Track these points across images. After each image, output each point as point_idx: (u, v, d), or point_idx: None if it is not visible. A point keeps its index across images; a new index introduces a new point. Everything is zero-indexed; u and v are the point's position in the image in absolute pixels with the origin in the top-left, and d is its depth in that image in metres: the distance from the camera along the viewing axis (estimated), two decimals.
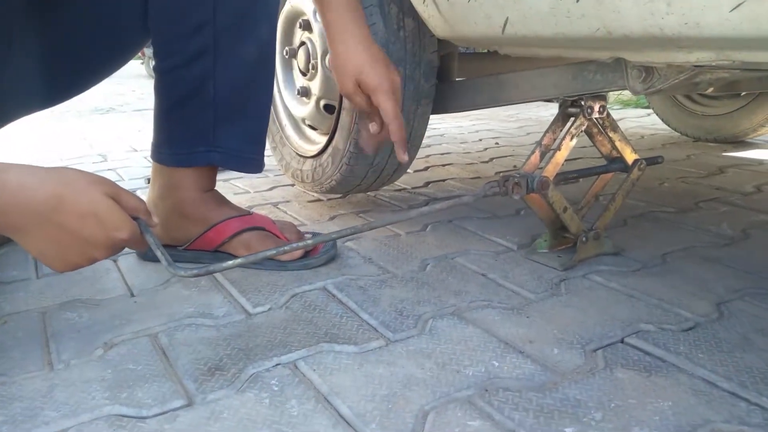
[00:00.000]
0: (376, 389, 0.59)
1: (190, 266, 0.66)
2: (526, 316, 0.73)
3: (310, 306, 0.77)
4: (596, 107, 0.88)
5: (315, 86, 1.19)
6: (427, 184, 1.48)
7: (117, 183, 0.63)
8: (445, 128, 2.50)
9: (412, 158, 1.17)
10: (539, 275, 0.86)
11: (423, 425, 0.53)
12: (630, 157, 0.94)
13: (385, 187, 1.35)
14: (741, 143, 1.96)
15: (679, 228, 1.08)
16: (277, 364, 0.63)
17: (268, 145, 1.02)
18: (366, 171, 1.13)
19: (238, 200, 1.30)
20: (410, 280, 0.85)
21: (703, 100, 1.98)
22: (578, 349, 0.66)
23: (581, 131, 0.89)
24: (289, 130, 1.32)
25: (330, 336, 0.69)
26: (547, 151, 0.89)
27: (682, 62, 0.68)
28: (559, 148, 0.88)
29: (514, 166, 1.69)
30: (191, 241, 0.91)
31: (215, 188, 0.94)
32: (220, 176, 1.42)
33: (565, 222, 0.89)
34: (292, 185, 1.45)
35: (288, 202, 1.31)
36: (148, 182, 1.10)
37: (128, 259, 0.94)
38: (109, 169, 1.72)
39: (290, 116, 1.32)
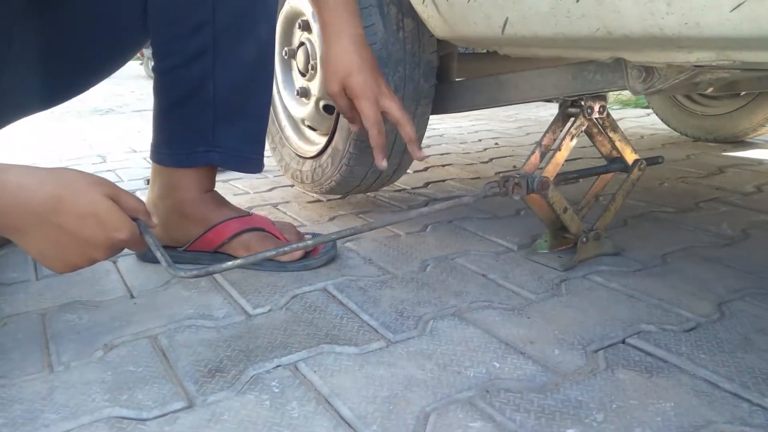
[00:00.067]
0: (377, 390, 0.58)
1: (190, 267, 0.66)
2: (526, 317, 0.73)
3: (311, 307, 0.77)
4: (596, 107, 0.88)
5: (314, 87, 1.19)
6: (426, 184, 1.48)
7: (116, 184, 0.63)
8: (445, 128, 2.50)
9: (411, 159, 1.17)
10: (540, 276, 0.86)
11: (424, 427, 0.53)
12: (630, 157, 0.94)
13: (384, 188, 1.35)
14: (741, 143, 1.96)
15: (679, 228, 1.08)
16: (278, 366, 0.63)
17: (267, 146, 1.02)
18: (366, 172, 1.13)
19: (238, 201, 1.30)
20: (410, 281, 0.85)
21: (703, 100, 1.98)
22: (579, 350, 0.65)
23: (581, 131, 0.89)
24: (289, 130, 1.32)
25: (330, 337, 0.69)
26: (547, 152, 0.89)
27: (682, 62, 0.68)
28: (559, 149, 0.88)
29: (514, 167, 1.69)
30: (191, 241, 0.91)
31: (215, 189, 0.94)
32: (220, 177, 1.42)
33: (565, 222, 0.89)
34: (292, 186, 1.45)
35: (288, 202, 1.31)
36: (148, 183, 1.10)
37: (128, 261, 0.94)
38: (108, 170, 1.72)
39: (290, 117, 1.32)
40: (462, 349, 0.66)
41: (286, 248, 0.71)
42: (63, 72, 0.86)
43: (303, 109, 1.25)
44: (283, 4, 1.23)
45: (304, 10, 1.17)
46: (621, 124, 2.31)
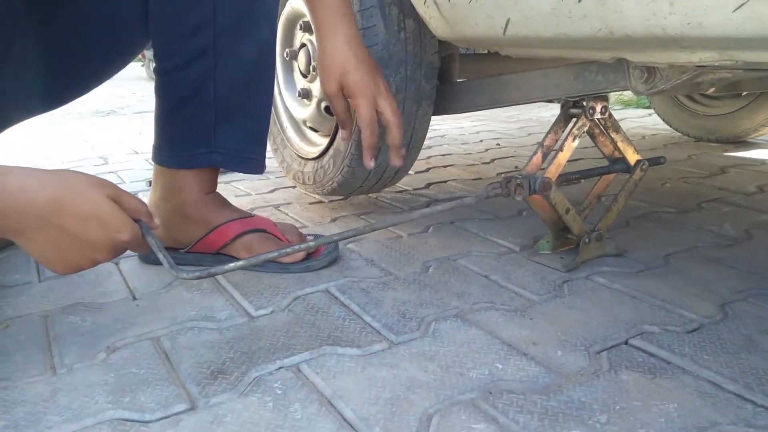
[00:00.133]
0: (380, 392, 0.58)
1: (192, 269, 0.66)
2: (529, 318, 0.73)
3: (313, 308, 0.77)
4: (598, 108, 0.88)
5: (316, 88, 1.18)
6: (428, 185, 1.47)
7: (118, 185, 0.63)
8: (446, 129, 2.50)
9: (413, 160, 1.17)
10: (542, 277, 0.86)
11: (427, 428, 0.53)
12: (632, 157, 0.93)
13: (386, 189, 1.35)
14: (743, 143, 1.96)
15: (681, 229, 1.08)
16: (280, 367, 0.63)
17: (269, 147, 1.02)
18: (367, 173, 1.13)
19: (240, 202, 1.30)
20: (412, 282, 0.85)
21: (705, 100, 1.98)
22: (582, 351, 0.65)
23: (583, 132, 0.89)
24: (291, 132, 1.32)
25: (333, 339, 0.69)
26: (549, 152, 0.89)
27: (685, 62, 0.68)
28: (561, 149, 0.87)
29: (516, 167, 1.69)
30: (193, 243, 0.90)
31: (217, 190, 0.94)
32: (222, 178, 1.42)
33: (567, 223, 0.89)
34: (294, 187, 1.45)
35: (289, 204, 1.31)
36: (150, 185, 1.10)
37: (130, 262, 0.94)
38: (110, 172, 1.72)
39: (291, 118, 1.32)
40: (464, 350, 0.66)
41: (288, 249, 0.71)
42: (64, 74, 0.86)
43: (305, 111, 1.25)
44: (284, 5, 1.23)
45: (305, 11, 1.17)
46: (623, 125, 2.30)
